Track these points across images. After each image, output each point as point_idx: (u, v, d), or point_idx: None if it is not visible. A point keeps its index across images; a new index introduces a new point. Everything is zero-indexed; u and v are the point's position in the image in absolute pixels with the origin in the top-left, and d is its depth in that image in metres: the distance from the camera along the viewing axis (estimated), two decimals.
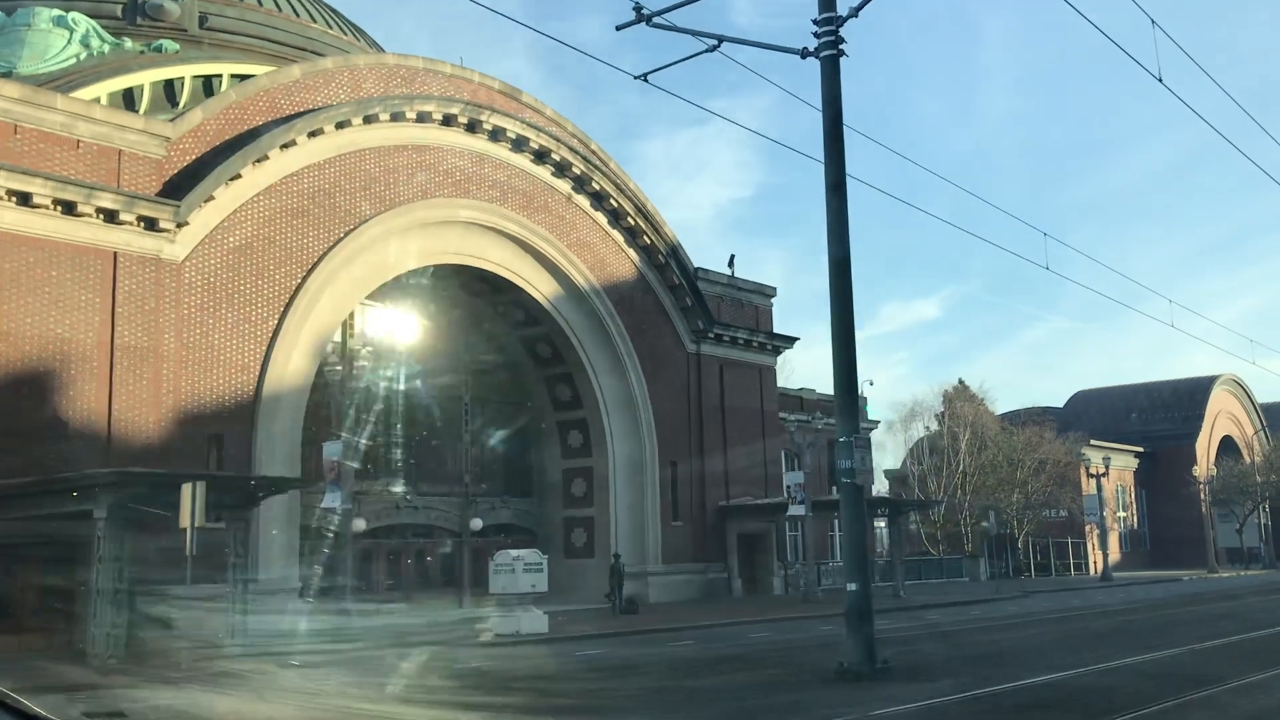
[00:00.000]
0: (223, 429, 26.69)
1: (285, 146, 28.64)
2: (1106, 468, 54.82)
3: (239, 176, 27.54)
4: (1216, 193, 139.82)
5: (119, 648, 18.38)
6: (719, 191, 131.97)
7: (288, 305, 28.56)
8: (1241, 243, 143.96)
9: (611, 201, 37.80)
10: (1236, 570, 72.13)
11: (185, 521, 18.29)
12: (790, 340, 45.30)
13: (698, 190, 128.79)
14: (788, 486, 37.21)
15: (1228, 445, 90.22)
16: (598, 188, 37.31)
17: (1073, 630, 24.94)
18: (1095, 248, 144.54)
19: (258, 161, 27.98)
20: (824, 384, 58.78)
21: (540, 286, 36.32)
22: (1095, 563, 72.99)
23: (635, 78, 16.02)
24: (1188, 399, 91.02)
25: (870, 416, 55.67)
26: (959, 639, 22.72)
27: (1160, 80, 17.52)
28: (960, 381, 70.10)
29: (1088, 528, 75.11)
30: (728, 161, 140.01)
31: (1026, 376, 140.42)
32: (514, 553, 23.21)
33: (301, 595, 26.34)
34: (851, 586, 15.19)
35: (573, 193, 37.03)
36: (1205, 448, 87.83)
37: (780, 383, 47.28)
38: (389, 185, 31.65)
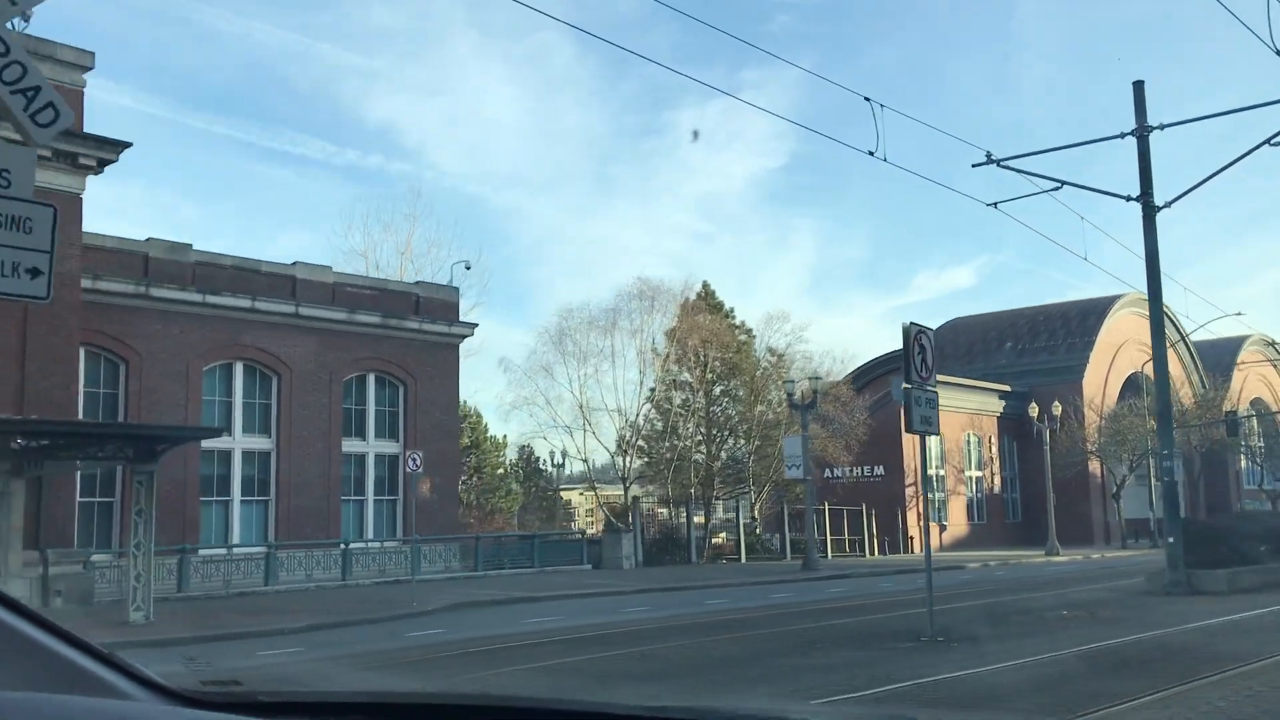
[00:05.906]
0: None
1: None
2: (815, 395, 33.72)
3: None
4: (1262, 164, 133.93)
5: None
6: (752, 161, 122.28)
7: None
8: None
9: None
10: (1101, 552, 51.54)
11: None
12: (120, 145, 24.58)
13: (730, 160, 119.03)
14: None
15: (1137, 385, 68.62)
16: None
17: None
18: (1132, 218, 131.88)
19: None
20: None
21: None
22: (914, 539, 52.53)
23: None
24: (1079, 325, 69.99)
25: (464, 318, 35.07)
26: None
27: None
28: (705, 286, 49.35)
29: (908, 491, 54.82)
30: (761, 131, 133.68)
31: None
32: None
33: None
34: None
35: None
36: (1100, 386, 66.71)
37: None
38: None
